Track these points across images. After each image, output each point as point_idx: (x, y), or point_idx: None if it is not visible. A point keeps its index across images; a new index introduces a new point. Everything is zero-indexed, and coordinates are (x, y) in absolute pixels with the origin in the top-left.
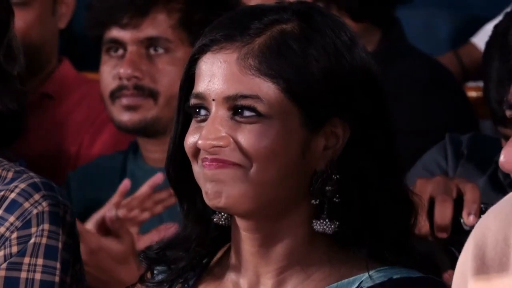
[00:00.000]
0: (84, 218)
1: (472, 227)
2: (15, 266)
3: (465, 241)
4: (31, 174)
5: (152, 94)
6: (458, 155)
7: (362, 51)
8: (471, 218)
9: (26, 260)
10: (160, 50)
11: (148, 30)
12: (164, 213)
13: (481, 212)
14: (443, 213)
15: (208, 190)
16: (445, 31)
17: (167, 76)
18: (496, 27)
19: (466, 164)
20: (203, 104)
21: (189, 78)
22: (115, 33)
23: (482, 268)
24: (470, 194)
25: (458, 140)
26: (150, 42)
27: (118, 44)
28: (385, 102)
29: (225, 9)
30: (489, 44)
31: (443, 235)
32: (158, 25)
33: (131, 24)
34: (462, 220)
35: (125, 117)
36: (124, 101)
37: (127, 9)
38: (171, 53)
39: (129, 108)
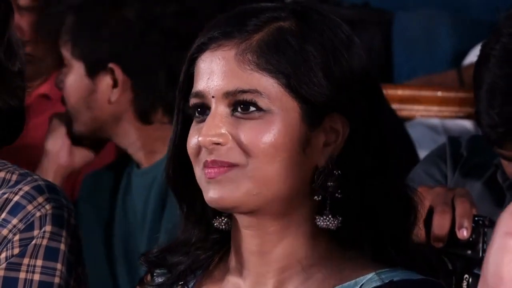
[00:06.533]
0: (91, 221)
1: (465, 240)
2: (14, 267)
3: (459, 253)
4: (35, 176)
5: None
6: (457, 157)
7: (360, 50)
8: (462, 232)
9: (26, 260)
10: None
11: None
12: (166, 214)
13: (478, 225)
14: (441, 224)
15: (210, 193)
16: (446, 34)
17: (64, 88)
18: (483, 46)
19: (465, 166)
20: (203, 102)
21: (188, 78)
22: None
23: None
24: (460, 209)
25: (458, 142)
26: None
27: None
28: (382, 100)
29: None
30: (477, 66)
31: (439, 245)
32: (61, 38)
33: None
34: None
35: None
36: None
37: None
38: (67, 66)
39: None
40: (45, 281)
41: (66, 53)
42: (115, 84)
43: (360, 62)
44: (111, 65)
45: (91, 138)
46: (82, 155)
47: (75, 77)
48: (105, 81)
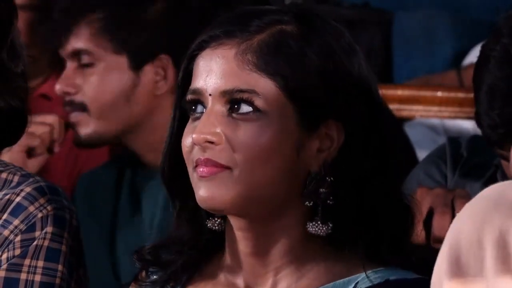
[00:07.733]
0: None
1: None
2: (15, 267)
3: None
4: (37, 178)
5: (83, 108)
6: (457, 157)
7: (361, 60)
8: None
9: (27, 261)
10: (86, 62)
11: (73, 43)
12: (164, 213)
13: None
14: (442, 225)
15: (201, 192)
16: (446, 34)
17: (91, 87)
18: (483, 47)
19: (465, 166)
20: (199, 99)
21: (187, 75)
22: (60, 52)
23: (457, 273)
24: (460, 210)
25: (458, 142)
26: (78, 55)
27: (64, 61)
28: (381, 107)
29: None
30: (477, 67)
31: (439, 246)
32: (80, 37)
33: (62, 42)
34: None
35: (74, 134)
36: (69, 118)
37: (56, 29)
38: (95, 64)
39: (72, 125)
40: (46, 282)
41: (95, 48)
42: (164, 76)
43: (360, 70)
44: (162, 55)
45: (99, 144)
46: (35, 163)
47: (110, 72)
48: (151, 73)
